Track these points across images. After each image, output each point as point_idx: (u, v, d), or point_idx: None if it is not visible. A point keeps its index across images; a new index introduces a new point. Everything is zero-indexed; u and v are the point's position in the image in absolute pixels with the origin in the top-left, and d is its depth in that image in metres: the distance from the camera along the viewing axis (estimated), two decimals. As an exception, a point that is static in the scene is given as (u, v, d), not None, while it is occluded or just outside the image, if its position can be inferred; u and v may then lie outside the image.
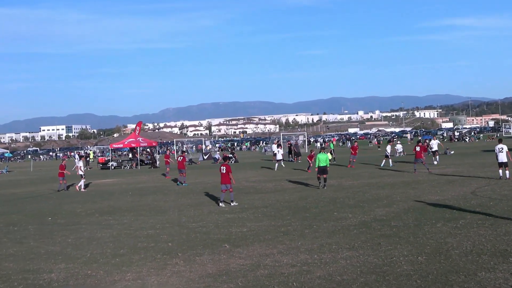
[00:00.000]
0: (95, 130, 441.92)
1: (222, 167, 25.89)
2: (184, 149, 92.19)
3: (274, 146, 63.92)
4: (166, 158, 48.26)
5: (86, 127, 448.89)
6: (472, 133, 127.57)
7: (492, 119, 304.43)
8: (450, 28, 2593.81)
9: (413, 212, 20.12)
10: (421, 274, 11.73)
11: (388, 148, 47.56)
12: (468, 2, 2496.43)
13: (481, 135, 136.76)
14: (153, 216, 23.29)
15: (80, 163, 40.22)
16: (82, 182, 38.22)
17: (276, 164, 48.61)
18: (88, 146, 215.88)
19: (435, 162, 43.67)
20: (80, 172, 38.91)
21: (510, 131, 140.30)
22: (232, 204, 25.27)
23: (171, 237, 17.98)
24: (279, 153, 49.96)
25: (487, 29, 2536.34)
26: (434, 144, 45.86)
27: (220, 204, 25.34)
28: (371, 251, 14.16)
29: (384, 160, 45.91)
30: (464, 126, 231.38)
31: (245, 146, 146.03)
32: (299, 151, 63.70)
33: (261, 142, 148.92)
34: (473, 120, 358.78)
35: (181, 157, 38.77)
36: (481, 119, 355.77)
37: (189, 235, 18.08)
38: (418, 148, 38.29)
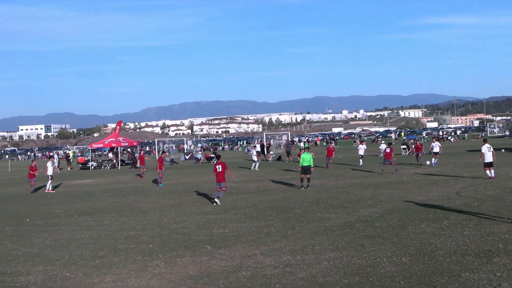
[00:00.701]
0: (74, 130, 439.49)
1: (217, 166, 25.91)
2: (165, 149, 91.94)
3: (258, 146, 64.00)
4: (141, 158, 47.85)
5: (65, 126, 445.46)
6: (452, 133, 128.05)
7: (477, 119, 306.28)
8: (435, 27, 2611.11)
9: (397, 213, 20.05)
10: (405, 275, 11.64)
11: (361, 148, 47.40)
12: (453, 1, 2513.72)
13: (466, 134, 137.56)
14: (134, 217, 23.07)
15: (48, 164, 39.07)
16: (48, 184, 37.56)
17: (257, 164, 48.57)
18: (68, 146, 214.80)
19: (428, 162, 42.44)
20: (48, 173, 38.07)
21: (494, 130, 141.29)
22: (215, 201, 25.15)
23: (151, 238, 17.79)
24: (253, 154, 50.47)
25: (473, 28, 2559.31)
26: (435, 146, 43.93)
27: (216, 200, 25.40)
28: (354, 252, 14.05)
29: (361, 160, 46.00)
30: (449, 126, 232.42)
31: (227, 146, 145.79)
32: (290, 150, 63.66)
33: (244, 141, 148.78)
34: (458, 119, 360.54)
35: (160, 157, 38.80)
36: (466, 119, 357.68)
37: (170, 236, 17.90)
38: (388, 150, 38.30)
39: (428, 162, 42.36)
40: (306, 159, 30.28)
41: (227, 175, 26.03)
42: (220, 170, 25.59)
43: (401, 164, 43.82)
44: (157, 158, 45.36)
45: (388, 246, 14.50)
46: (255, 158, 49.32)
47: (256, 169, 47.17)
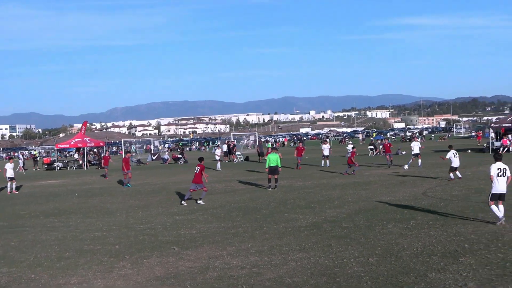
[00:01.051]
0: (40, 130, 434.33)
1: (196, 167, 26.12)
2: (131, 149, 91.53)
3: (225, 146, 63.99)
4: (105, 159, 47.50)
5: (30, 126, 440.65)
6: (417, 134, 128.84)
7: (444, 119, 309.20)
8: (402, 28, 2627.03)
9: (364, 213, 20.13)
10: (372, 275, 11.68)
11: (325, 148, 47.37)
12: (421, 2, 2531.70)
13: (433, 135, 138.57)
14: (100, 218, 22.88)
15: (7, 166, 37.85)
16: (9, 185, 36.89)
17: (219, 164, 48.99)
18: (33, 146, 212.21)
19: (406, 167, 38.94)
20: (7, 175, 37.16)
21: (461, 131, 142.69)
22: (199, 201, 25.50)
23: (118, 239, 17.65)
24: (217, 154, 51.35)
25: (440, 29, 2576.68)
26: (415, 146, 41.22)
27: (183, 202, 25.37)
28: (321, 252, 14.07)
29: (324, 161, 46.09)
30: (416, 126, 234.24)
31: (194, 147, 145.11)
32: (263, 150, 63.59)
33: (210, 142, 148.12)
34: (424, 120, 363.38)
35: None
36: (432, 119, 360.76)
37: (136, 237, 17.78)
38: (350, 154, 38.26)
39: (406, 167, 38.94)
40: (273, 159, 30.27)
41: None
42: (197, 172, 25.90)
43: (365, 166, 43.98)
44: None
45: (355, 246, 14.54)
46: (217, 157, 49.88)
47: (219, 169, 47.31)
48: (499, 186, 16.57)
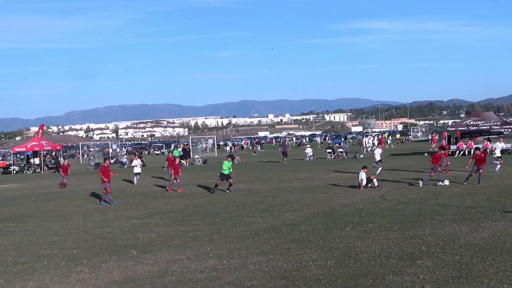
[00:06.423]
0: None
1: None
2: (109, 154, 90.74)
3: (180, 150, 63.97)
4: (63, 168, 45.63)
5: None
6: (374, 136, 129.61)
7: (401, 123, 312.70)
8: (360, 32, 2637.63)
9: (322, 216, 20.24)
10: (330, 278, 11.75)
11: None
12: (378, 6, 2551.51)
13: (390, 138, 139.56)
14: (57, 222, 22.64)
15: None
16: None
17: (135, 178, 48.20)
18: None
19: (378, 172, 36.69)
20: None
21: (418, 134, 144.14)
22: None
23: (76, 243, 17.49)
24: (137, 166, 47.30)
25: (397, 33, 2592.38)
26: (377, 153, 40.13)
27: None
28: (280, 256, 14.10)
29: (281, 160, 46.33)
30: (373, 130, 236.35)
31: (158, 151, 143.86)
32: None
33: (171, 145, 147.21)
34: (382, 123, 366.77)
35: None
36: (390, 123, 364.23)
37: (94, 242, 17.65)
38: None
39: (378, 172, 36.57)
40: (225, 167, 30.27)
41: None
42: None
43: (324, 170, 44.18)
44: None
45: (313, 249, 14.61)
46: (136, 170, 48.86)
47: (135, 183, 45.72)
48: None
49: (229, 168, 30.27)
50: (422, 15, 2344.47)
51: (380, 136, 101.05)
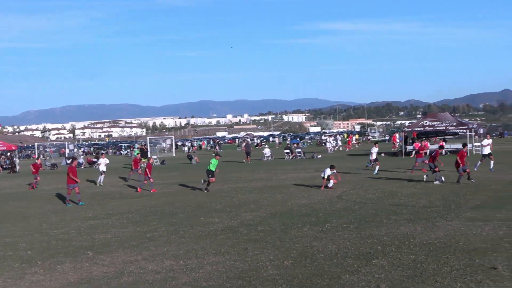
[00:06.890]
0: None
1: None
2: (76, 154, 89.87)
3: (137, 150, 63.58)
4: (35, 166, 43.38)
5: None
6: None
7: (359, 123, 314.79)
8: (318, 33, 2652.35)
9: (280, 217, 20.28)
10: (287, 278, 11.76)
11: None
12: (338, 7, 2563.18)
13: (354, 138, 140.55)
14: (13, 223, 22.32)
15: None
16: None
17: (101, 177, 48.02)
18: None
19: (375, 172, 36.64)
20: None
21: (375, 135, 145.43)
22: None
23: (30, 245, 17.26)
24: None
25: (356, 34, 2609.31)
26: (374, 151, 39.20)
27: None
28: (237, 256, 14.10)
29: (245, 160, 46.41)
30: (331, 130, 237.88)
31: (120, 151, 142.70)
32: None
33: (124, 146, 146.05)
34: (340, 124, 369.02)
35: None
36: (347, 123, 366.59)
37: (49, 243, 17.44)
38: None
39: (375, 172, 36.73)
40: (213, 165, 31.16)
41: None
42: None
43: (282, 170, 44.27)
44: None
45: (270, 249, 14.63)
46: (101, 169, 48.60)
47: (100, 183, 45.10)
48: None
49: (214, 166, 30.77)
50: (382, 17, 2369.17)
51: (347, 136, 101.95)
